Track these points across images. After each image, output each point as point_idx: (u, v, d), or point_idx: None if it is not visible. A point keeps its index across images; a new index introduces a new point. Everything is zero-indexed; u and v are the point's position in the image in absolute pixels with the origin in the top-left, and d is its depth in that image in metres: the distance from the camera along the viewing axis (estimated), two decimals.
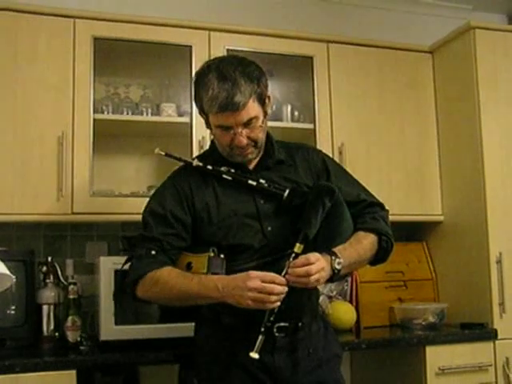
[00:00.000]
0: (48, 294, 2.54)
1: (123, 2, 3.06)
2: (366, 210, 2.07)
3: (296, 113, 3.04)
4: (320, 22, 3.37)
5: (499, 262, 2.82)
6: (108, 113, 2.78)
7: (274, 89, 3.13)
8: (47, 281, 2.57)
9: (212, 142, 2.08)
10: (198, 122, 2.74)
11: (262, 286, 1.73)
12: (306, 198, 1.92)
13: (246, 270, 1.81)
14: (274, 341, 1.89)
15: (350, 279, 3.00)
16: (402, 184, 3.06)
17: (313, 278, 1.78)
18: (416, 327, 2.84)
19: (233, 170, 1.97)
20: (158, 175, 3.02)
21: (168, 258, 1.92)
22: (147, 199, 2.71)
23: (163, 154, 2.13)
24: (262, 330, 1.78)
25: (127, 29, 2.72)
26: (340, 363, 2.09)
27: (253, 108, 1.88)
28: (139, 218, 2.66)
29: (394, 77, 3.12)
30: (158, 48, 2.82)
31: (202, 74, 1.92)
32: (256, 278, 1.74)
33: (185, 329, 2.47)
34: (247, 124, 1.89)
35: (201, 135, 2.73)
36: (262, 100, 1.94)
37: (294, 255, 1.83)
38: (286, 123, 3.00)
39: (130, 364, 2.39)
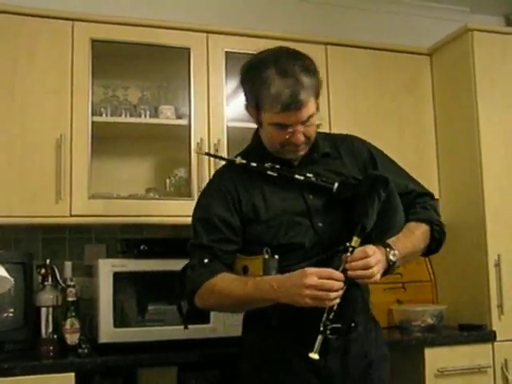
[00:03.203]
0: (46, 297, 2.53)
1: (121, 4, 3.07)
2: (415, 200, 2.01)
3: None
4: (318, 25, 3.37)
5: (498, 264, 2.83)
6: (106, 115, 2.77)
7: None
8: (46, 283, 2.56)
9: (254, 137, 2.02)
10: (196, 124, 2.76)
11: (321, 282, 1.66)
12: (357, 189, 1.85)
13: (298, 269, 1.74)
14: (327, 343, 1.78)
15: None
16: None
17: (371, 270, 1.72)
18: (415, 329, 2.84)
19: (278, 166, 1.89)
20: (157, 177, 3.03)
21: (222, 264, 1.86)
22: (145, 201, 2.76)
23: (203, 153, 2.07)
24: (321, 329, 1.71)
25: (125, 31, 2.72)
26: (389, 364, 2.02)
27: (312, 104, 1.81)
28: (138, 220, 2.71)
29: (393, 79, 3.12)
30: (157, 50, 2.82)
31: (259, 68, 1.83)
32: (313, 275, 1.67)
33: (183, 331, 2.48)
34: (305, 121, 1.81)
35: (199, 137, 2.73)
36: (318, 95, 1.85)
37: (351, 249, 1.75)
38: None
39: (128, 366, 2.39)
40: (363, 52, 3.10)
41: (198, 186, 2.70)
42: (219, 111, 2.80)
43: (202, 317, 2.50)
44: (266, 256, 1.83)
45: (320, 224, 1.88)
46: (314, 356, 1.69)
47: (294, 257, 1.83)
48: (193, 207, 2.67)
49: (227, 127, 2.79)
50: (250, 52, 2.83)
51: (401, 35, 3.43)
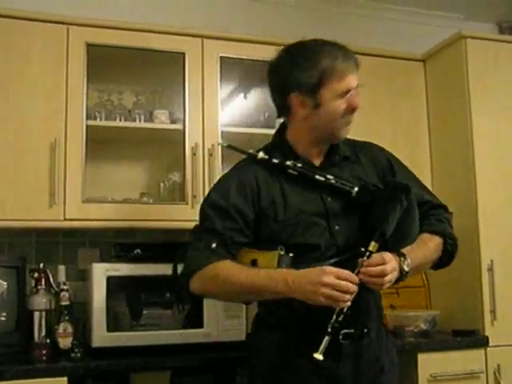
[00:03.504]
0: (39, 301, 2.52)
1: (117, 8, 3.07)
2: (430, 211, 2.02)
3: None
4: (313, 31, 3.32)
5: (490, 269, 2.84)
6: (101, 119, 2.77)
7: (266, 96, 3.14)
8: (39, 287, 2.55)
9: (278, 135, 2.02)
10: (190, 128, 2.76)
11: (338, 282, 1.66)
12: (376, 195, 1.85)
13: None
14: (339, 348, 1.81)
15: None
16: None
17: (387, 278, 1.73)
18: (408, 334, 2.84)
19: (299, 165, 1.89)
20: (151, 182, 3.03)
21: (228, 253, 1.84)
22: (140, 206, 2.76)
23: (226, 145, 2.06)
24: (329, 330, 1.70)
25: (121, 35, 2.72)
26: (398, 368, 2.03)
27: None
28: (132, 224, 2.71)
29: (387, 85, 3.13)
30: (151, 55, 2.82)
31: (313, 46, 1.89)
32: (331, 274, 1.67)
33: (177, 336, 2.48)
34: (357, 86, 1.88)
35: (194, 142, 2.74)
36: None
37: (368, 254, 1.75)
38: None
39: (122, 371, 2.38)
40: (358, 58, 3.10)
41: (192, 190, 2.71)
42: (214, 116, 2.80)
43: (196, 321, 2.50)
44: (282, 252, 1.81)
45: (337, 227, 1.88)
46: (319, 356, 1.68)
47: (307, 258, 1.82)
48: (186, 211, 2.69)
49: (222, 132, 2.79)
50: (245, 57, 2.89)
51: (395, 42, 3.44)
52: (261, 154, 1.93)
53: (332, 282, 1.65)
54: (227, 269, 1.80)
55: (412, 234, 1.90)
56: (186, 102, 2.78)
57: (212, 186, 2.02)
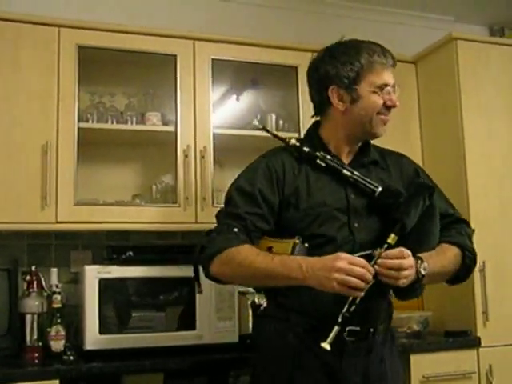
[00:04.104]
0: (31, 303, 2.52)
1: (108, 10, 3.07)
2: (452, 224, 2.03)
3: (281, 122, 3.04)
4: (305, 32, 3.39)
5: (482, 270, 2.84)
6: (93, 121, 2.77)
7: (258, 98, 3.16)
8: (31, 290, 2.54)
9: (311, 129, 2.04)
10: (182, 130, 2.76)
11: (352, 268, 1.64)
12: (398, 199, 1.86)
13: None
14: (343, 344, 1.79)
15: None
16: None
17: (403, 273, 1.70)
18: (400, 335, 2.84)
19: (329, 157, 1.92)
20: (143, 184, 3.02)
21: (249, 239, 1.84)
22: (132, 208, 2.75)
23: (261, 127, 2.08)
24: (339, 320, 1.69)
25: (112, 38, 2.72)
26: (402, 379, 2.01)
27: None
28: (124, 226, 2.70)
29: None
30: (143, 57, 2.83)
31: (352, 43, 1.95)
32: (345, 260, 1.66)
33: (170, 338, 2.48)
34: (394, 86, 1.94)
35: (185, 144, 2.74)
36: None
37: (386, 245, 1.75)
38: None
39: (114, 373, 2.37)
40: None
41: (184, 192, 2.71)
42: (205, 118, 2.80)
43: (187, 324, 2.50)
44: (297, 241, 1.81)
45: (356, 224, 1.88)
46: (326, 346, 1.66)
47: (322, 251, 1.78)
48: (179, 214, 2.69)
49: (213, 134, 2.80)
50: (237, 59, 2.89)
51: (386, 43, 3.37)
52: (293, 141, 1.96)
53: (346, 266, 1.64)
54: (244, 253, 1.79)
55: (431, 241, 1.90)
56: (178, 104, 2.78)
57: (242, 170, 2.02)
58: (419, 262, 1.78)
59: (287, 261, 1.75)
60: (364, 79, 1.90)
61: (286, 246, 1.81)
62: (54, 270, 2.67)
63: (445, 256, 1.92)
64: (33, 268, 2.59)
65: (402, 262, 1.71)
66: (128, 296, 2.57)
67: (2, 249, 2.78)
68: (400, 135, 3.15)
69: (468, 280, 2.81)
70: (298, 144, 1.95)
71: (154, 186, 2.94)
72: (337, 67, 1.91)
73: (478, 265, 2.77)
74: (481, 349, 2.80)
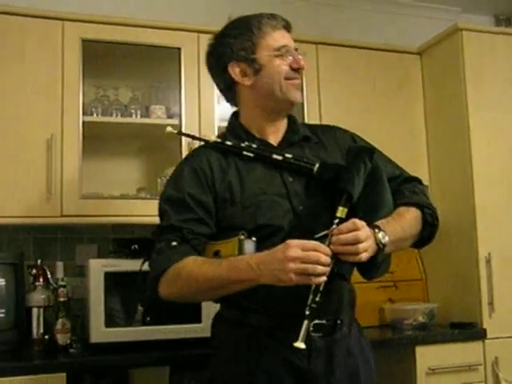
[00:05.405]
0: (38, 297, 2.53)
1: (112, 4, 3.06)
2: (403, 185, 1.88)
3: None
4: (308, 24, 3.37)
5: (488, 261, 2.84)
6: (97, 115, 2.77)
7: None
8: (37, 283, 2.56)
9: (232, 119, 1.93)
10: (187, 123, 2.76)
11: (305, 254, 1.49)
12: (339, 170, 1.72)
13: None
14: (310, 342, 1.60)
15: None
16: None
17: (362, 246, 1.55)
18: (406, 327, 2.85)
19: (254, 146, 1.80)
20: (148, 177, 3.03)
21: (191, 248, 1.70)
22: (137, 201, 2.75)
23: (175, 132, 2.01)
24: (307, 313, 1.53)
25: (116, 31, 2.72)
26: (373, 371, 1.84)
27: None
28: (129, 220, 2.71)
29: (383, 78, 3.13)
30: (147, 50, 2.82)
31: (240, 18, 1.91)
32: (296, 246, 1.50)
33: (176, 331, 2.49)
34: (296, 49, 1.85)
35: None
36: None
37: (337, 220, 1.60)
38: None
39: (120, 366, 2.39)
40: (354, 51, 3.11)
41: None
42: (210, 111, 2.80)
43: (193, 317, 2.51)
44: (242, 237, 1.67)
45: (301, 207, 1.75)
46: (300, 345, 1.50)
47: (271, 242, 1.63)
48: None
49: (218, 127, 2.79)
50: None
51: (391, 34, 3.44)
52: (213, 138, 1.88)
53: (299, 254, 1.49)
54: (189, 266, 1.66)
55: (383, 206, 1.76)
56: (183, 97, 2.78)
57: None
58: (376, 230, 1.63)
59: (234, 263, 1.60)
60: (259, 45, 1.81)
61: (232, 246, 1.68)
62: (60, 264, 2.68)
63: (404, 218, 1.76)
64: (39, 262, 2.61)
65: (357, 233, 1.55)
66: (133, 289, 2.56)
67: (8, 243, 2.80)
68: (404, 126, 3.15)
69: (474, 271, 2.84)
70: (219, 140, 1.85)
71: (158, 180, 2.94)
72: (230, 43, 1.84)
73: (483, 257, 2.82)
74: (487, 341, 2.79)
